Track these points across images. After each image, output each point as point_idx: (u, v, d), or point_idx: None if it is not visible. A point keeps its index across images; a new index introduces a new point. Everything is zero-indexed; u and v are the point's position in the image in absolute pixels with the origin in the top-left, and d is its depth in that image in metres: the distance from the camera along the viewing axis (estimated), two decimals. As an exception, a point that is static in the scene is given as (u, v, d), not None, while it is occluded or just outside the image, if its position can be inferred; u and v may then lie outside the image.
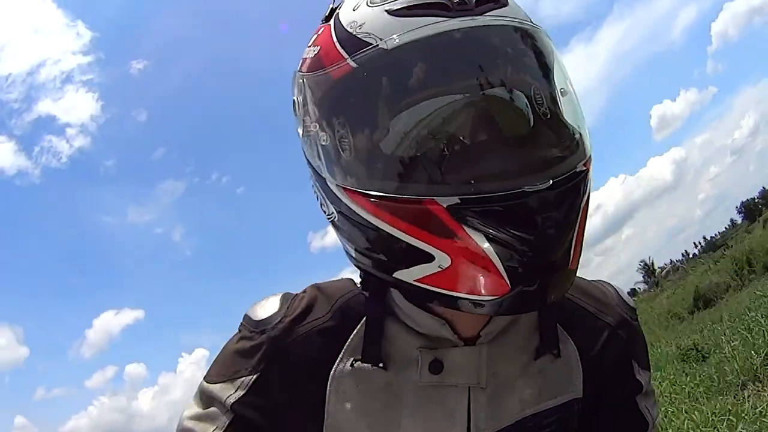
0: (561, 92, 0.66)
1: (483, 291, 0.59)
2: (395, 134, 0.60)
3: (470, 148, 0.60)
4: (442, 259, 0.59)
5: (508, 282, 0.58)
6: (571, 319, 0.78)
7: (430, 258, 0.60)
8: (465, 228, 0.57)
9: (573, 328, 0.78)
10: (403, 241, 0.60)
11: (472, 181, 0.58)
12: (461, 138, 0.60)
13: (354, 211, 0.64)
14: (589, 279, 0.86)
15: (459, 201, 0.57)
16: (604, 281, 0.87)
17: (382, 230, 0.62)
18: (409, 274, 0.63)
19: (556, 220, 0.58)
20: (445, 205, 0.57)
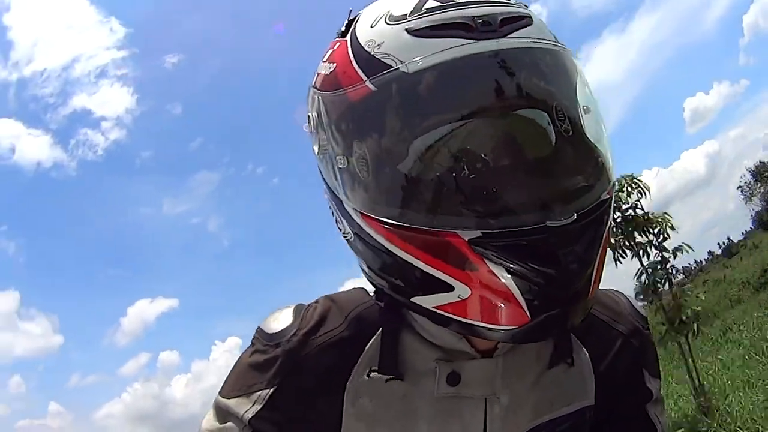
0: (584, 109, 0.64)
1: (503, 321, 0.59)
2: (415, 161, 0.59)
3: (492, 175, 0.58)
4: (462, 290, 0.59)
5: (528, 313, 0.58)
6: (585, 328, 0.78)
7: (449, 288, 0.60)
8: (486, 262, 0.57)
9: (586, 336, 0.78)
10: (422, 269, 0.60)
11: (495, 214, 0.57)
12: (482, 164, 0.58)
13: (370, 236, 0.63)
14: (602, 288, 0.86)
15: (480, 234, 0.56)
16: (616, 290, 0.87)
17: (400, 258, 0.61)
18: (427, 301, 0.63)
19: (577, 255, 0.58)
20: (466, 239, 0.57)
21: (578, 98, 0.64)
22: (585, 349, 0.78)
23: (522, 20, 0.61)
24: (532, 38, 0.61)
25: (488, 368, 0.71)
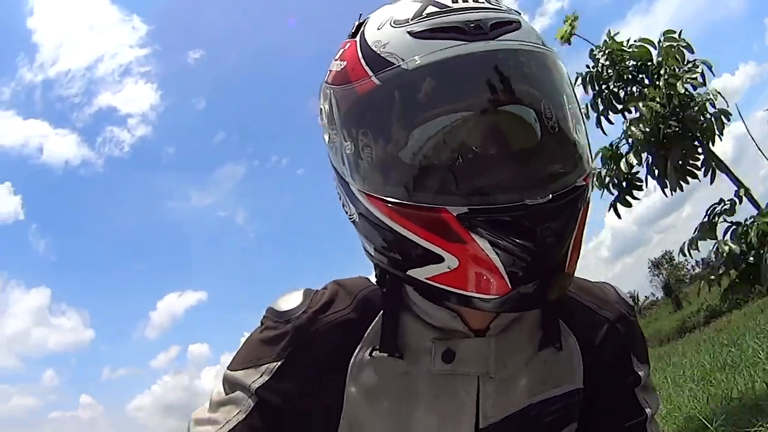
0: (567, 108, 0.71)
1: (486, 290, 0.66)
2: (412, 146, 0.66)
3: (479, 161, 0.66)
4: (451, 261, 0.65)
5: (509, 283, 0.64)
6: (572, 315, 0.83)
7: (440, 259, 0.66)
8: (472, 234, 0.63)
9: (574, 322, 0.83)
10: (416, 243, 0.67)
11: (480, 193, 0.64)
12: (471, 151, 0.66)
13: (373, 214, 0.70)
14: (589, 280, 0.92)
15: (467, 210, 0.63)
16: (604, 282, 0.93)
17: (398, 232, 0.68)
18: (421, 273, 0.69)
19: (553, 230, 0.64)
20: (455, 214, 0.63)
21: (561, 97, 0.71)
22: (573, 335, 0.83)
23: (511, 25, 0.69)
24: (519, 41, 0.68)
25: (481, 347, 0.77)
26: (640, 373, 0.86)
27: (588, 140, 0.72)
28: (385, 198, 0.68)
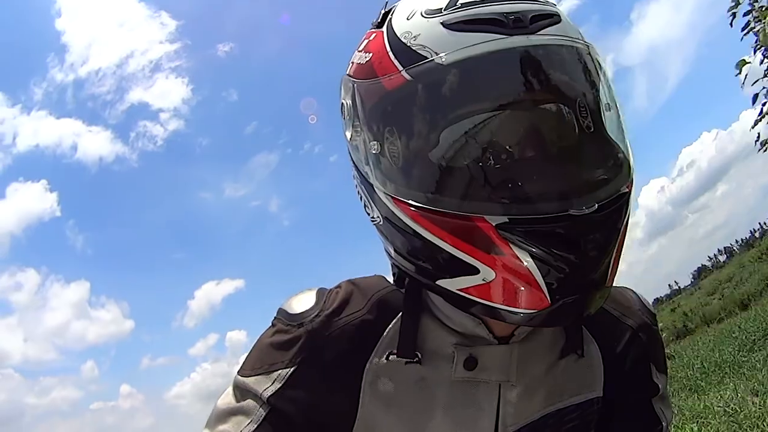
0: (606, 107, 0.67)
1: (524, 305, 0.62)
2: (445, 147, 0.62)
3: (519, 166, 0.62)
4: (487, 273, 0.62)
5: (548, 297, 0.61)
6: (596, 322, 0.81)
7: (475, 271, 0.62)
8: (511, 246, 0.59)
9: (596, 329, 0.81)
10: (449, 252, 0.63)
11: (521, 201, 0.60)
12: (511, 154, 0.62)
13: (400, 219, 0.66)
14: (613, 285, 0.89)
15: (507, 220, 0.59)
16: (626, 287, 0.90)
17: (428, 240, 0.64)
18: (452, 284, 0.65)
19: (597, 243, 0.61)
20: (494, 224, 0.59)
21: (601, 95, 0.67)
22: (595, 342, 0.81)
23: (551, 18, 0.65)
24: (561, 35, 0.64)
25: (504, 354, 0.74)
26: (658, 383, 0.85)
27: (629, 144, 0.68)
28: (414, 203, 0.63)
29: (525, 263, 0.60)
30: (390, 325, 0.75)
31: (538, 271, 0.59)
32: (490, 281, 0.62)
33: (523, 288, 0.61)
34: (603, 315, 0.82)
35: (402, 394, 0.74)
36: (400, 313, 0.75)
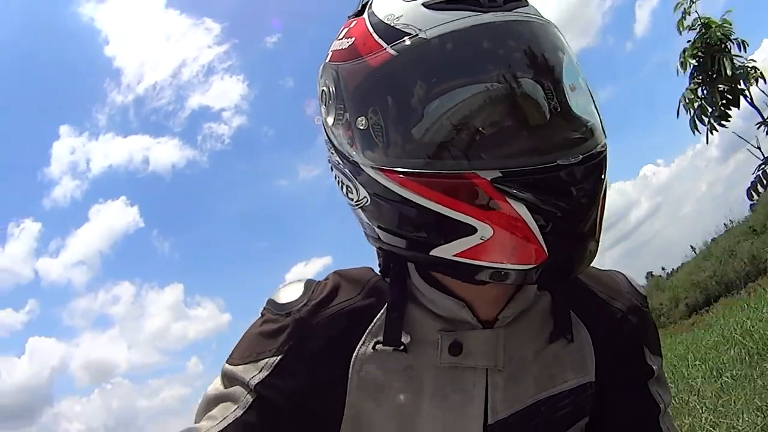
0: (571, 87, 0.70)
1: (522, 260, 0.63)
2: (436, 116, 0.64)
3: (507, 128, 0.64)
4: (485, 230, 0.62)
5: (545, 249, 0.62)
6: (584, 305, 0.81)
7: (472, 230, 0.63)
8: (507, 199, 0.61)
9: (585, 313, 0.81)
10: (445, 215, 0.63)
11: (511, 156, 0.62)
12: (499, 119, 0.64)
13: (392, 191, 0.66)
14: (601, 268, 0.90)
15: (501, 174, 0.61)
16: (615, 270, 0.91)
17: (422, 206, 0.64)
18: (448, 250, 0.65)
19: (587, 191, 0.63)
20: (489, 178, 0.61)
21: (574, 68, 0.70)
22: (584, 326, 0.80)
23: (521, 1, 0.69)
24: (531, 14, 0.68)
25: (490, 339, 0.74)
26: (653, 365, 0.84)
27: (600, 113, 0.72)
28: (407, 170, 0.65)
29: (521, 214, 0.61)
30: (378, 315, 0.75)
31: (533, 221, 0.61)
32: (488, 239, 0.63)
33: (520, 241, 0.62)
34: (591, 298, 0.82)
35: (389, 382, 0.74)
36: (387, 303, 0.75)
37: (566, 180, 0.61)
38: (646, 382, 0.83)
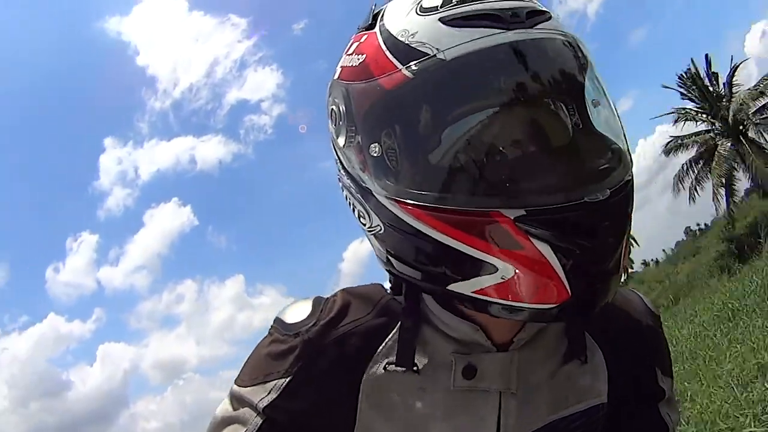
0: (593, 103, 0.67)
1: (544, 299, 0.61)
2: (454, 145, 0.60)
3: (532, 159, 0.61)
4: (507, 270, 0.60)
5: (568, 289, 0.59)
6: (598, 326, 0.79)
7: (493, 269, 0.60)
8: (530, 238, 0.58)
9: (599, 334, 0.79)
10: (465, 253, 0.60)
11: (536, 193, 0.59)
12: (522, 149, 0.61)
13: (407, 224, 0.63)
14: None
15: (525, 212, 0.58)
16: (630, 289, 0.89)
17: (440, 242, 0.61)
18: (466, 286, 0.63)
19: (613, 229, 0.60)
20: (512, 217, 0.58)
21: (592, 89, 0.66)
22: (598, 347, 0.79)
23: (544, 14, 0.64)
24: (555, 30, 0.64)
25: (504, 362, 0.72)
26: (664, 387, 0.83)
27: (626, 134, 0.69)
28: (423, 204, 0.61)
29: (545, 254, 0.58)
30: (390, 334, 0.73)
31: (557, 262, 0.58)
32: (509, 278, 0.60)
33: (542, 281, 0.60)
34: (605, 319, 0.80)
35: (401, 403, 0.72)
36: (399, 322, 0.73)
37: (593, 218, 0.58)
38: (657, 404, 0.83)
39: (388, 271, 0.74)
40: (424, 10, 0.63)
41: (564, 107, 0.63)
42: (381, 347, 0.73)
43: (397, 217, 0.64)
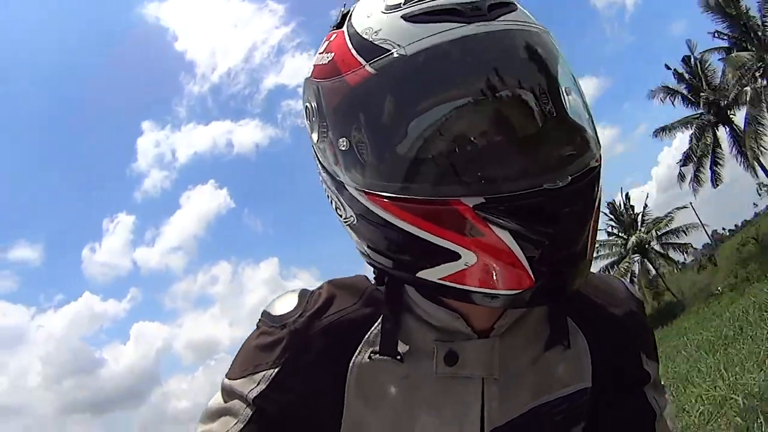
0: (566, 91, 0.68)
1: (507, 285, 0.62)
2: (416, 137, 0.62)
3: (491, 149, 0.62)
4: (468, 257, 0.61)
5: (531, 275, 0.61)
6: (581, 311, 0.80)
7: (456, 256, 0.62)
8: (490, 225, 0.59)
9: (582, 319, 0.80)
10: (429, 240, 0.62)
11: (495, 181, 0.60)
12: (481, 138, 0.62)
13: (376, 214, 0.65)
14: (598, 274, 0.89)
15: (484, 200, 0.59)
16: (611, 275, 0.90)
17: (406, 231, 0.63)
18: (433, 273, 0.64)
19: (574, 216, 0.61)
20: (471, 205, 0.59)
21: (561, 79, 0.67)
22: (581, 332, 0.80)
23: (508, 6, 0.65)
24: (519, 21, 0.65)
25: (485, 348, 0.73)
26: (649, 370, 0.83)
27: (594, 121, 0.69)
28: (388, 195, 0.63)
29: (505, 241, 0.59)
30: (374, 324, 0.75)
31: (519, 248, 0.60)
32: (472, 265, 0.62)
33: (505, 268, 0.61)
34: (588, 304, 0.82)
35: (387, 392, 0.74)
36: (383, 312, 0.75)
37: (553, 205, 0.59)
38: (643, 388, 0.83)
39: (367, 261, 0.76)
40: (389, 8, 0.65)
41: (533, 97, 0.64)
42: (366, 336, 0.75)
43: (367, 208, 0.66)
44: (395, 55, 0.62)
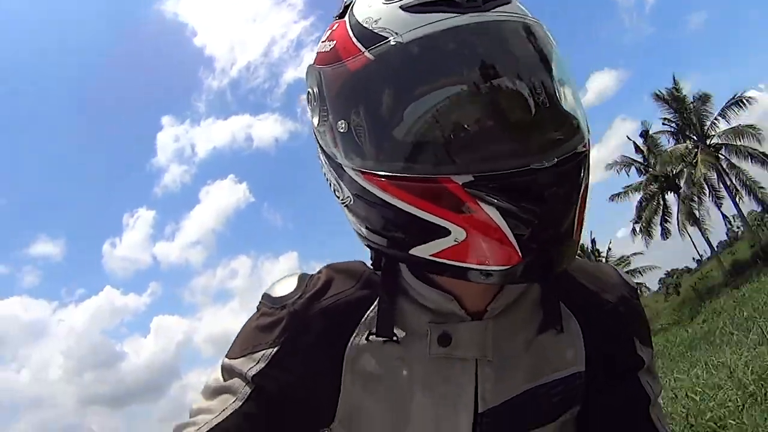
0: (556, 80, 0.70)
1: (495, 261, 0.64)
2: (410, 119, 0.65)
3: (481, 132, 0.64)
4: (458, 233, 0.64)
5: (518, 252, 0.63)
6: (574, 297, 0.82)
7: (446, 232, 0.64)
8: (479, 203, 0.62)
9: (575, 305, 0.81)
10: (421, 218, 0.65)
11: (484, 160, 0.63)
12: (473, 122, 0.65)
13: (371, 193, 0.68)
14: (590, 262, 0.91)
15: (473, 178, 0.62)
16: (604, 263, 0.91)
17: (399, 208, 0.66)
18: (425, 250, 0.67)
19: (560, 195, 0.63)
20: (461, 183, 0.62)
21: (554, 70, 0.69)
22: (574, 317, 0.81)
23: None
24: (513, 12, 0.68)
25: (478, 330, 0.75)
26: (643, 356, 0.84)
27: (584, 110, 0.72)
28: (383, 173, 0.66)
29: (493, 218, 0.62)
30: (371, 307, 0.78)
31: (506, 225, 0.62)
32: (462, 241, 0.64)
33: (493, 244, 0.63)
34: (581, 290, 0.83)
35: (382, 373, 0.76)
36: (379, 295, 0.78)
37: (539, 184, 0.62)
38: (636, 373, 0.84)
39: (363, 242, 0.78)
40: (388, 0, 0.69)
41: (524, 85, 0.66)
42: (363, 318, 0.77)
43: (363, 187, 0.69)
44: (392, 42, 0.65)
